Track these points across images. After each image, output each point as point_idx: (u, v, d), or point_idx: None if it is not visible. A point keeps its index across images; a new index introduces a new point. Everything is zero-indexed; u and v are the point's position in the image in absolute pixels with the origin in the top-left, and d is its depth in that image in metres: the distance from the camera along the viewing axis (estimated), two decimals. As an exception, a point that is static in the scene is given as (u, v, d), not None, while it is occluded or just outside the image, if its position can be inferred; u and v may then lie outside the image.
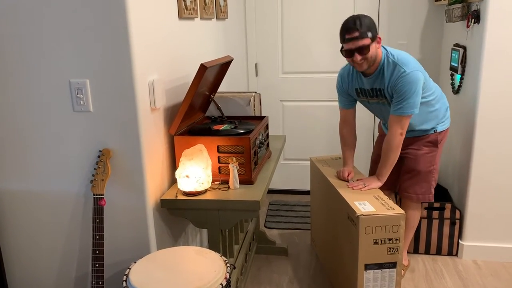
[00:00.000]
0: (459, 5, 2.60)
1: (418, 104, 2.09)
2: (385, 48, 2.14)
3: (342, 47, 2.08)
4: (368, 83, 2.19)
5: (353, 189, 2.19)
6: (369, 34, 1.99)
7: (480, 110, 2.50)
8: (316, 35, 3.45)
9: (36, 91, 1.70)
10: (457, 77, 2.78)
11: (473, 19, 2.50)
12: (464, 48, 2.67)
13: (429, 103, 2.22)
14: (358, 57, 2.02)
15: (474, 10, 2.49)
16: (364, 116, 3.33)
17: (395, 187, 2.52)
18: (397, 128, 2.13)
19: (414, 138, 2.31)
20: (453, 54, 2.85)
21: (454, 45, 2.85)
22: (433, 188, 2.41)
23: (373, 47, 2.03)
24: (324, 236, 2.60)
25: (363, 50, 2.01)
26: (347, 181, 2.29)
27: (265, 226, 3.25)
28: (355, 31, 1.98)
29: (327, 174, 2.41)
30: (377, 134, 2.65)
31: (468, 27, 2.58)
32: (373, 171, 2.46)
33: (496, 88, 2.46)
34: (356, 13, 2.14)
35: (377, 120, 3.43)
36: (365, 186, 2.19)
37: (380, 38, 2.06)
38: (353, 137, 2.40)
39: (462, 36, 2.75)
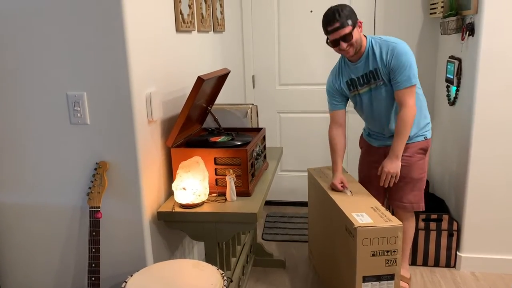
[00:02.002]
0: (454, 18, 2.63)
1: (416, 74, 2.17)
2: (368, 36, 2.23)
3: (328, 39, 2.15)
4: (360, 68, 2.23)
5: (385, 186, 2.29)
6: (349, 22, 2.07)
7: (476, 121, 2.52)
8: (313, 47, 3.48)
9: (33, 103, 1.70)
10: (453, 89, 2.80)
11: (467, 32, 2.53)
12: (459, 60, 2.69)
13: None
14: (343, 45, 2.11)
15: (469, 23, 2.52)
16: (355, 120, 3.34)
17: (385, 197, 2.52)
18: (410, 99, 2.17)
19: (406, 145, 2.30)
20: (448, 66, 2.87)
21: (449, 57, 2.88)
22: (423, 196, 2.41)
23: (356, 33, 2.11)
24: (322, 248, 2.59)
25: (347, 37, 2.09)
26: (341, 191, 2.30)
27: (263, 238, 3.24)
28: (335, 22, 2.06)
29: (324, 185, 2.41)
30: None
31: (463, 39, 2.61)
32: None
33: (492, 99, 2.48)
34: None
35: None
36: (393, 177, 2.24)
37: (361, 22, 2.14)
38: (343, 141, 2.39)
39: (457, 48, 2.78)
